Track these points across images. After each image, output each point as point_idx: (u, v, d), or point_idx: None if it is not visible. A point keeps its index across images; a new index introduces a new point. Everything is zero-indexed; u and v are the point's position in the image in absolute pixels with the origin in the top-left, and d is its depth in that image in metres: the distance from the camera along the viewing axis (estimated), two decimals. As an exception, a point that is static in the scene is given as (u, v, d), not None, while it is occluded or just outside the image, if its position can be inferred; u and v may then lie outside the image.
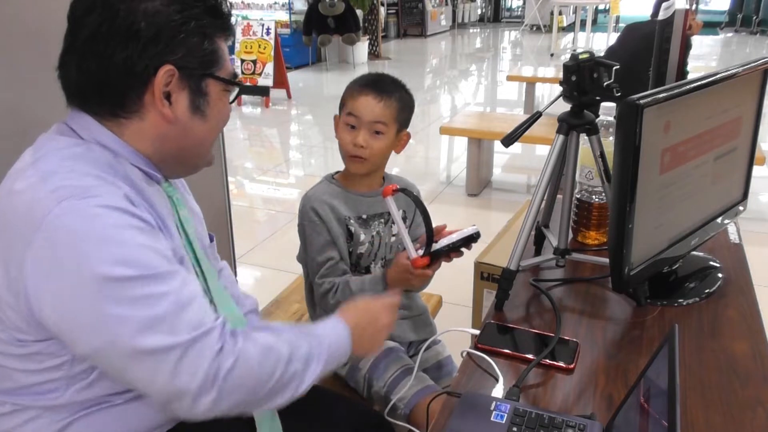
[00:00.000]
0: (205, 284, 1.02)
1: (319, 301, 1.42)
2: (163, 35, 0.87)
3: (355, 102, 1.35)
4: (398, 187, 1.19)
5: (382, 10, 11.43)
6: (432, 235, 1.17)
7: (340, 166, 1.45)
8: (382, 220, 1.44)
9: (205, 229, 1.15)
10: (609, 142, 1.28)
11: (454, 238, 1.18)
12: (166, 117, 0.90)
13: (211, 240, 1.16)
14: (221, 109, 0.98)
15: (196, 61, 0.91)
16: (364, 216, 1.42)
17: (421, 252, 1.21)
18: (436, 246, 1.18)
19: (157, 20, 0.86)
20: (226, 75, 0.96)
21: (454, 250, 1.21)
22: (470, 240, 1.19)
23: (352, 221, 1.40)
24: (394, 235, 1.46)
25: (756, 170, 1.39)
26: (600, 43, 11.14)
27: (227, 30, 0.96)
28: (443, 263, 1.26)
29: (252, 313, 1.25)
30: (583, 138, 1.23)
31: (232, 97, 1.00)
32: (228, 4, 0.97)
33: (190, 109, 0.93)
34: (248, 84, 6.93)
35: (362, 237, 1.41)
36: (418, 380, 1.39)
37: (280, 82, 7.05)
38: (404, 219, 1.46)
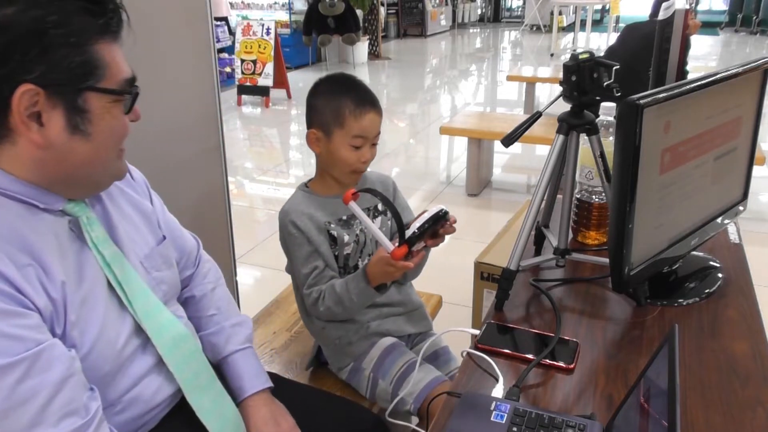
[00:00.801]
0: (130, 306, 0.96)
1: (310, 310, 1.42)
2: (15, 51, 0.75)
3: (361, 123, 1.34)
4: (356, 190, 1.18)
5: (382, 10, 11.43)
6: (401, 223, 1.17)
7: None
8: None
9: (154, 230, 1.07)
10: (609, 142, 1.28)
11: (423, 219, 1.19)
12: (36, 142, 0.80)
13: (163, 239, 1.08)
14: (110, 122, 0.85)
15: (63, 76, 0.78)
16: (344, 217, 1.42)
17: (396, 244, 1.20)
18: (409, 231, 1.18)
19: (8, 34, 0.74)
20: (114, 84, 0.84)
21: (427, 233, 1.20)
22: (439, 219, 1.19)
23: (333, 225, 1.39)
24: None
25: (756, 170, 1.39)
26: (600, 43, 11.14)
27: (111, 32, 0.83)
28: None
29: (245, 344, 1.18)
30: (583, 138, 1.23)
31: (129, 106, 0.88)
32: None
33: (68, 130, 0.81)
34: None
35: (346, 238, 1.41)
36: (425, 372, 1.39)
37: (280, 82, 7.06)
38: (384, 212, 1.47)
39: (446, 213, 1.21)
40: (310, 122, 1.39)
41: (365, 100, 1.35)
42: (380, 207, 1.47)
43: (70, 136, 0.82)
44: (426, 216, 1.19)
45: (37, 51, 0.76)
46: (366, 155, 1.36)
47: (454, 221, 1.26)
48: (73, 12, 0.79)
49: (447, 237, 1.29)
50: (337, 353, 1.48)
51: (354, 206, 1.17)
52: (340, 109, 1.34)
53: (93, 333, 0.89)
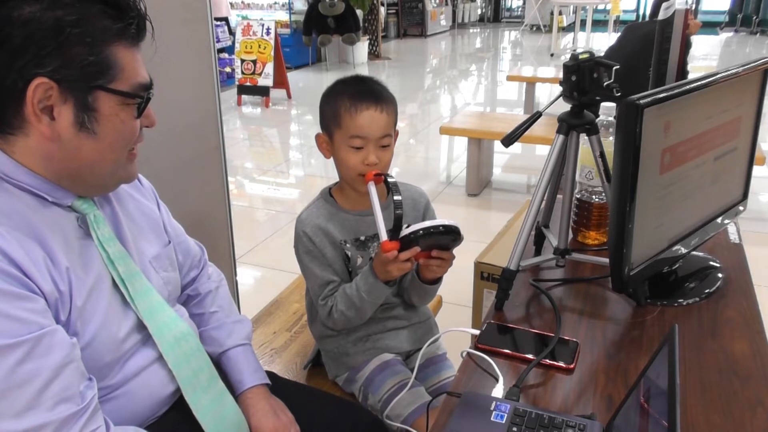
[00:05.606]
0: (132, 303, 0.97)
1: (325, 322, 1.38)
2: (32, 45, 0.79)
3: (357, 121, 1.23)
4: (381, 172, 1.13)
5: (382, 10, 11.44)
6: (400, 219, 1.13)
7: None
8: None
9: (161, 234, 1.09)
10: (609, 142, 1.28)
11: (425, 224, 1.14)
12: (45, 134, 0.83)
13: (169, 243, 1.11)
14: (117, 124, 0.87)
15: (76, 73, 0.82)
16: (362, 237, 1.35)
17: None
18: (405, 231, 1.15)
19: (28, 28, 0.78)
20: (127, 87, 0.87)
21: (430, 240, 1.16)
22: (447, 232, 1.15)
23: (348, 245, 1.33)
24: None
25: (756, 170, 1.39)
26: (600, 43, 11.14)
27: (129, 37, 0.86)
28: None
29: (246, 340, 1.20)
30: (583, 138, 1.23)
31: (140, 111, 0.90)
32: (136, 4, 0.87)
33: (75, 126, 0.84)
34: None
35: (359, 261, 1.34)
36: (415, 396, 1.32)
37: (280, 82, 7.06)
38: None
39: (457, 230, 1.15)
40: (321, 126, 1.33)
41: (363, 93, 1.24)
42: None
43: (77, 132, 0.85)
44: (429, 222, 1.14)
45: (53, 47, 0.80)
46: (370, 158, 1.24)
47: (453, 257, 1.23)
48: (94, 15, 0.83)
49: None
50: (334, 361, 1.45)
51: (372, 188, 1.13)
52: (337, 106, 1.25)
53: (95, 323, 0.91)
